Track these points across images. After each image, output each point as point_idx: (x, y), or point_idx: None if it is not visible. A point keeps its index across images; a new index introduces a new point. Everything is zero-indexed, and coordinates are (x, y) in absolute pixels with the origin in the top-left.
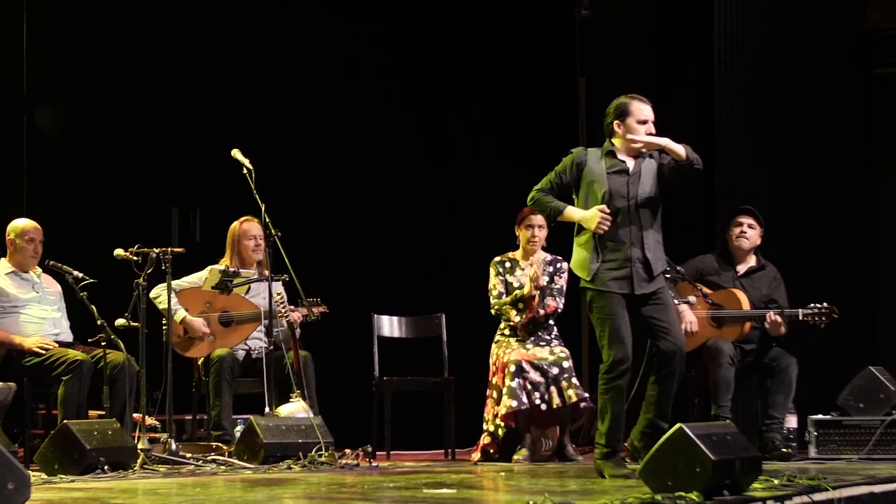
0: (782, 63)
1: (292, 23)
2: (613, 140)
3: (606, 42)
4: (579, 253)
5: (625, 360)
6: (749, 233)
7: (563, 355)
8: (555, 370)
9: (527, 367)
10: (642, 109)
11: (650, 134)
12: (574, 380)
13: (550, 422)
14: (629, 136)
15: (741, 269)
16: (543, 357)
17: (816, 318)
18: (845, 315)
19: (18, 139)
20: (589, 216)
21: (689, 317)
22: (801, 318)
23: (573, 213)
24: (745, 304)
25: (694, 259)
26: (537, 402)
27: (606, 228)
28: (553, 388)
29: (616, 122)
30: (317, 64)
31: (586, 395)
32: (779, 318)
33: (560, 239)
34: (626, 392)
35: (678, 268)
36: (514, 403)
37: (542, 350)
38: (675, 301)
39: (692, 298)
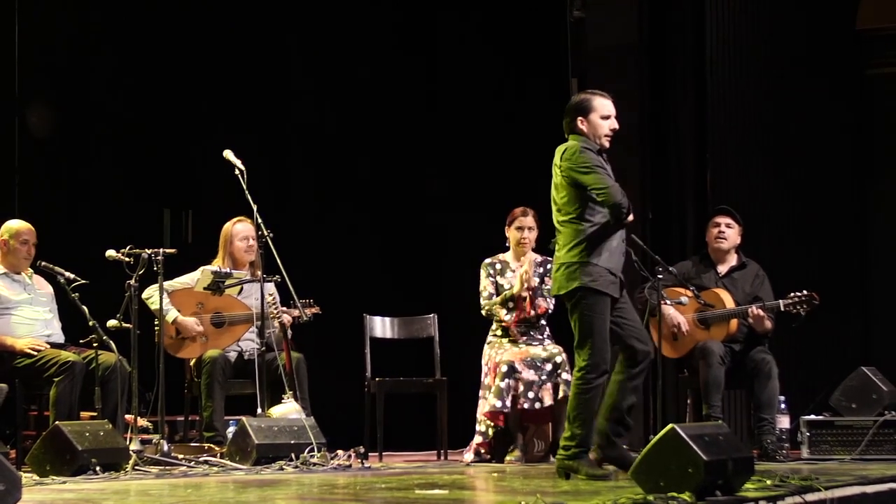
0: (774, 63)
1: (285, 24)
2: (573, 137)
3: (598, 43)
4: (580, 259)
5: (607, 363)
6: (727, 232)
7: (555, 351)
8: (549, 366)
9: (520, 366)
10: (605, 105)
11: (613, 130)
12: (567, 375)
13: (544, 419)
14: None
15: (722, 269)
16: (537, 354)
17: (798, 307)
18: (838, 316)
19: (10, 141)
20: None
21: (677, 318)
22: (782, 308)
23: None
24: (729, 303)
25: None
26: (526, 403)
27: None
28: (548, 385)
29: (579, 118)
30: (308, 64)
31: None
32: (761, 313)
33: (548, 240)
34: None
35: (671, 269)
36: (498, 404)
37: (536, 348)
38: (667, 302)
39: (684, 299)
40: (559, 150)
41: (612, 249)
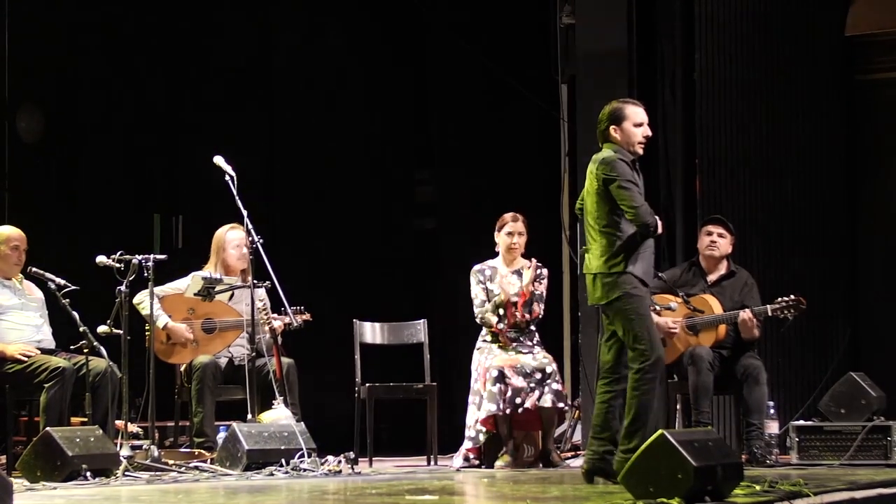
0: (763, 69)
1: (276, 30)
2: (607, 146)
3: (588, 49)
4: (617, 269)
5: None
6: (719, 242)
7: (546, 360)
8: (538, 375)
9: (509, 372)
10: (637, 112)
11: (646, 137)
12: (556, 385)
13: (533, 425)
14: None
15: (712, 277)
16: (527, 362)
17: (785, 311)
18: (827, 321)
19: (0, 146)
20: (658, 221)
21: (668, 323)
22: (770, 313)
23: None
24: (718, 308)
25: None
26: (509, 408)
27: None
28: (535, 392)
29: (612, 126)
30: (300, 70)
31: (568, 401)
32: (748, 317)
33: (537, 246)
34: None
35: (660, 274)
36: (493, 408)
37: (525, 356)
38: (656, 308)
39: (673, 304)
40: (595, 158)
41: (646, 258)
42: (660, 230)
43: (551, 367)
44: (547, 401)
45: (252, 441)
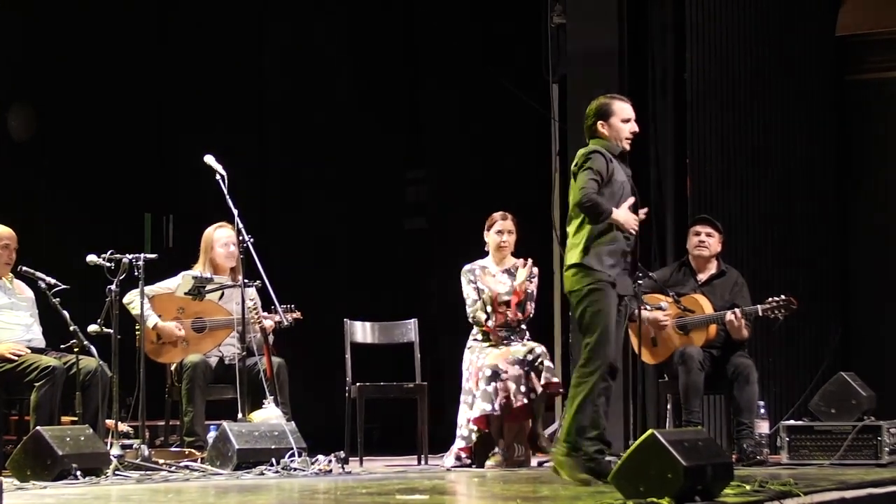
0: (754, 69)
1: (268, 29)
2: (594, 141)
3: (579, 48)
4: (598, 251)
5: (606, 359)
6: (708, 241)
7: (533, 344)
8: (529, 356)
9: (503, 365)
10: (624, 108)
11: (634, 133)
12: (547, 362)
13: (525, 415)
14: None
15: (702, 277)
16: (517, 351)
17: (776, 312)
18: (818, 321)
19: None
20: (628, 217)
21: (660, 316)
22: (760, 313)
23: (616, 214)
24: (708, 308)
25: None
26: (518, 402)
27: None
28: (532, 375)
29: (599, 122)
30: (291, 70)
31: (557, 380)
32: (737, 317)
33: (528, 245)
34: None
35: (650, 274)
36: (488, 407)
37: (515, 346)
38: (647, 308)
39: (664, 304)
40: (579, 153)
41: (609, 251)
42: (628, 227)
43: (541, 348)
44: (537, 386)
45: (242, 440)
